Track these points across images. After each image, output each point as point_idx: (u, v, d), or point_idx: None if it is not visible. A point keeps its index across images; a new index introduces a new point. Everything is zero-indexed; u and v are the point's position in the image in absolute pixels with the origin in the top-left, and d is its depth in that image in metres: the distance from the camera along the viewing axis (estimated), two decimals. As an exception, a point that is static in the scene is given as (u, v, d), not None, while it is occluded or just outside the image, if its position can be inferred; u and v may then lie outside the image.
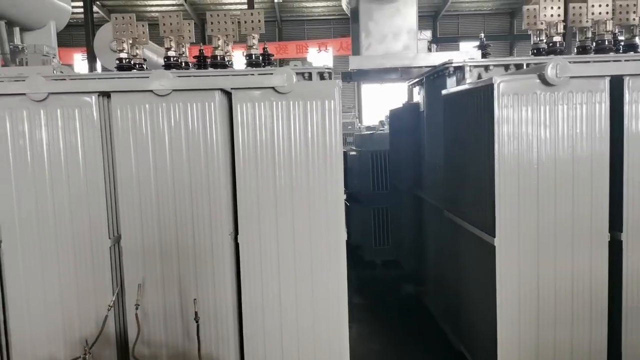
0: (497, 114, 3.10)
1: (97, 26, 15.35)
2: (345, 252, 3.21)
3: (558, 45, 4.05)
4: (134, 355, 3.03)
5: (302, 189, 3.13)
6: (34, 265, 3.19)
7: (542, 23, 4.08)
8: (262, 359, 3.25)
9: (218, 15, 3.95)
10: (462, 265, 3.99)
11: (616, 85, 3.13)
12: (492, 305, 3.26)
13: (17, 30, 5.46)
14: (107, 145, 3.23)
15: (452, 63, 4.13)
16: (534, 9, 4.11)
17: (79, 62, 20.37)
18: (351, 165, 7.11)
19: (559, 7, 3.96)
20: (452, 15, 23.86)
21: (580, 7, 4.04)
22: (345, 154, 4.34)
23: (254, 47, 4.12)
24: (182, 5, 21.08)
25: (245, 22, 3.98)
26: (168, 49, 4.03)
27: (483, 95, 3.29)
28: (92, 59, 15.84)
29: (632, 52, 3.89)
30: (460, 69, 4.11)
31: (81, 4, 17.28)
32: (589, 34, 4.13)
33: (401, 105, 6.55)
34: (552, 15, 3.99)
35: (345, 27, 22.13)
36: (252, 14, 3.98)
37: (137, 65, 4.08)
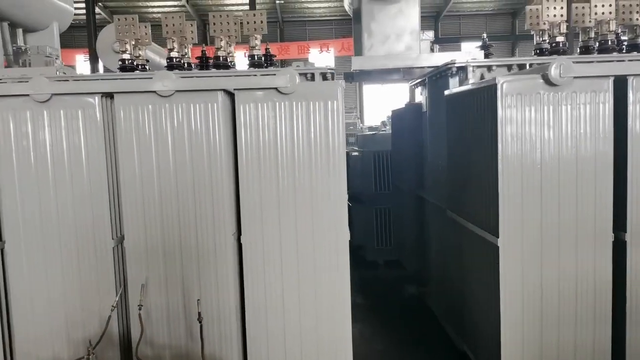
0: (501, 114, 3.10)
1: (99, 27, 15.40)
2: (349, 252, 3.21)
3: (561, 45, 4.04)
4: (137, 356, 3.03)
5: (305, 190, 3.13)
6: (38, 266, 3.19)
7: (544, 23, 4.07)
8: (265, 358, 3.25)
9: (221, 16, 3.95)
10: (464, 266, 3.99)
11: (620, 86, 3.12)
12: (495, 305, 3.26)
13: (20, 31, 5.48)
14: (110, 145, 3.24)
15: (454, 63, 4.13)
16: (537, 9, 4.10)
17: (81, 63, 20.41)
18: (353, 166, 7.11)
19: (561, 7, 3.96)
20: (454, 16, 23.85)
21: (583, 7, 4.03)
22: (347, 154, 4.34)
23: (257, 47, 4.12)
24: (183, 6, 21.12)
25: (248, 22, 3.98)
26: (171, 50, 4.04)
27: (486, 96, 3.29)
28: (94, 60, 15.89)
29: (635, 52, 3.88)
30: (463, 70, 4.11)
31: (83, 5, 17.32)
32: (592, 34, 4.12)
33: (403, 106, 6.55)
34: (555, 16, 3.98)
35: (347, 27, 22.14)
36: (254, 15, 3.98)
37: (139, 66, 4.09)
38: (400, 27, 5.10)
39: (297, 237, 3.17)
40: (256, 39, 4.08)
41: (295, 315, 3.21)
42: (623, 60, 3.59)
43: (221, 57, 4.04)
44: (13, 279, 3.21)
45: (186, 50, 4.15)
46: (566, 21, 3.99)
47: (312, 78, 4.02)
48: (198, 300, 3.08)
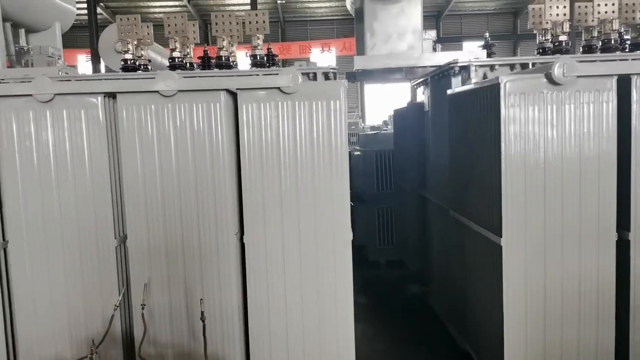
0: (504, 114, 3.09)
1: (100, 27, 15.42)
2: (351, 252, 3.20)
3: (564, 44, 4.03)
4: (140, 355, 3.03)
5: (308, 189, 3.13)
6: (41, 265, 3.20)
7: (547, 22, 4.06)
8: (267, 358, 3.25)
9: (223, 16, 3.96)
10: (467, 265, 3.98)
11: (623, 85, 3.12)
12: (498, 304, 3.25)
13: (22, 31, 5.48)
14: (113, 145, 3.24)
15: (457, 63, 4.12)
16: (540, 8, 4.10)
17: (83, 63, 20.44)
18: (355, 165, 7.10)
19: (564, 6, 3.95)
20: (455, 15, 23.82)
21: (586, 6, 4.03)
22: (349, 154, 4.33)
23: (259, 47, 4.12)
24: (185, 6, 21.13)
25: (250, 22, 3.98)
26: (173, 50, 4.04)
27: (489, 95, 3.28)
28: (96, 60, 15.91)
29: (638, 51, 3.87)
30: (465, 69, 4.11)
31: (85, 5, 17.34)
32: (595, 33, 4.12)
33: (405, 105, 6.54)
34: (557, 15, 3.97)
35: (348, 27, 22.14)
36: (256, 15, 3.98)
37: (142, 66, 4.09)
38: (402, 27, 5.09)
39: (300, 237, 3.16)
40: (258, 38, 4.08)
41: (297, 314, 3.21)
42: (626, 59, 3.59)
43: (223, 57, 4.04)
44: (16, 278, 3.22)
45: (188, 50, 4.16)
46: (569, 20, 3.98)
47: (315, 78, 4.01)
48: (201, 299, 3.08)
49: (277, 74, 3.06)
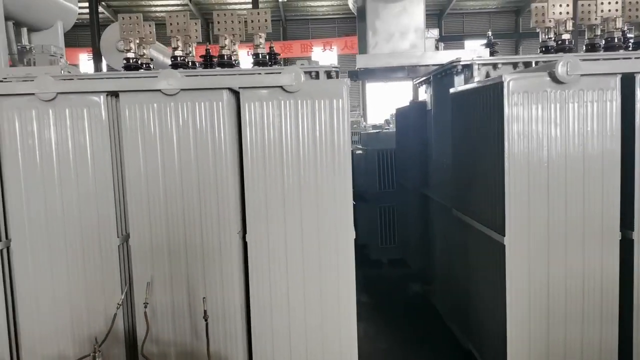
0: (507, 112, 3.08)
1: (102, 26, 15.43)
2: (354, 251, 3.20)
3: (567, 43, 4.02)
4: (143, 354, 3.03)
5: (311, 188, 3.13)
6: (43, 264, 3.20)
7: (550, 21, 4.05)
8: (270, 357, 3.25)
9: (225, 14, 3.95)
10: (470, 264, 3.97)
11: (627, 83, 3.10)
12: (501, 303, 3.25)
13: (24, 30, 5.48)
14: (115, 144, 3.24)
15: (460, 61, 4.11)
16: (543, 6, 4.08)
17: (85, 62, 20.45)
18: (357, 164, 7.10)
19: (567, 5, 3.94)
20: (457, 14, 23.78)
21: (589, 5, 4.01)
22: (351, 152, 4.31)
23: (261, 46, 4.12)
24: (186, 5, 21.12)
25: (252, 21, 3.98)
26: (175, 49, 4.03)
27: (492, 94, 3.27)
28: (97, 59, 15.92)
29: (642, 50, 3.86)
30: (468, 67, 4.10)
31: (87, 4, 17.35)
32: (598, 32, 4.10)
33: (408, 104, 6.53)
34: (560, 13, 3.96)
35: (350, 26, 22.12)
36: (258, 14, 3.98)
37: (144, 65, 4.09)
38: (404, 25, 5.08)
39: (303, 236, 3.16)
40: (260, 37, 4.08)
41: (300, 313, 3.21)
42: (630, 58, 3.58)
43: (225, 56, 4.04)
44: (19, 277, 3.22)
45: (190, 49, 4.15)
46: (572, 18, 3.97)
47: (317, 76, 4.01)
48: (204, 298, 3.08)
49: (280, 73, 3.05)
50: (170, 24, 3.93)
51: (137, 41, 3.98)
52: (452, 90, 4.22)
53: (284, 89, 3.05)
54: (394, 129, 8.04)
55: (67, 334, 3.24)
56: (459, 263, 4.28)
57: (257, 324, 3.23)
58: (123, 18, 3.89)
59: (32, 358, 3.24)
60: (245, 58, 4.60)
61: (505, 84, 3.07)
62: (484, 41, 5.04)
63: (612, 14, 3.89)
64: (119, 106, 3.14)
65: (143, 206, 3.14)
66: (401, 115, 6.73)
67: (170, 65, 4.06)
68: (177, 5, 21.64)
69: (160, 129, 3.09)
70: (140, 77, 3.40)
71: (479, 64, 4.05)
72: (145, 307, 3.08)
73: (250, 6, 18.64)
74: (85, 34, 18.82)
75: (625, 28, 4.03)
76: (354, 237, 3.19)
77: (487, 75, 4.08)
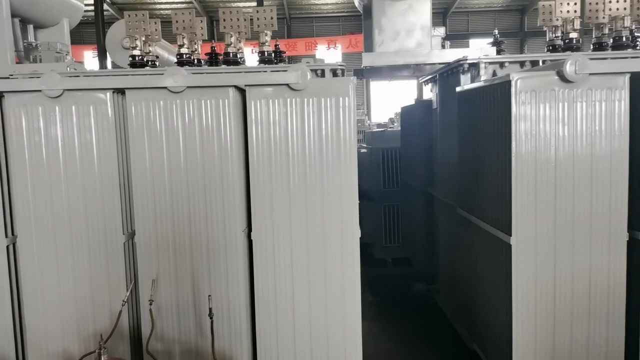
0: (515, 111, 3.07)
1: (107, 24, 15.44)
2: (359, 249, 3.19)
3: (574, 41, 4.00)
4: (148, 351, 3.04)
5: (316, 186, 3.12)
6: (49, 260, 3.20)
7: (558, 19, 4.03)
8: (274, 355, 3.24)
9: (231, 12, 3.95)
10: (475, 264, 3.96)
11: (636, 83, 3.08)
12: (507, 303, 3.23)
13: (31, 27, 5.48)
14: (121, 141, 3.24)
15: (466, 60, 4.09)
16: (550, 5, 4.06)
17: (90, 59, 20.51)
18: (361, 163, 7.07)
19: (575, 3, 3.91)
20: (462, 12, 23.68)
21: (597, 3, 3.99)
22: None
23: (266, 44, 4.11)
24: (191, 2, 21.12)
25: (258, 19, 3.97)
26: (181, 46, 4.04)
27: (500, 92, 3.25)
28: (102, 56, 15.94)
29: (650, 49, 3.83)
30: (475, 66, 4.08)
31: (92, 1, 17.38)
32: (606, 30, 4.08)
33: (413, 103, 6.51)
34: (568, 12, 3.94)
35: (354, 24, 22.06)
36: (264, 11, 3.97)
37: (149, 62, 4.09)
38: (410, 23, 5.06)
39: (308, 234, 3.15)
40: (266, 35, 4.07)
41: (305, 311, 3.20)
42: (638, 57, 3.55)
43: (231, 54, 4.04)
44: (25, 273, 3.23)
45: (196, 47, 4.15)
46: (579, 17, 3.95)
47: (322, 74, 4.00)
48: (209, 296, 3.08)
49: (286, 71, 3.04)
50: (176, 21, 3.92)
51: (143, 38, 3.99)
52: (458, 88, 4.20)
53: (290, 87, 3.04)
54: (398, 128, 8.01)
55: (73, 331, 3.24)
56: (464, 262, 4.27)
57: (261, 322, 3.23)
58: (129, 15, 3.89)
59: (38, 354, 3.25)
60: (249, 56, 4.60)
61: (513, 83, 3.05)
62: (489, 40, 5.02)
63: (620, 13, 3.87)
64: (125, 103, 3.14)
65: (149, 203, 3.14)
66: (407, 113, 6.71)
67: (176, 62, 4.06)
68: (182, 2, 21.64)
69: (166, 126, 3.09)
70: (147, 75, 3.40)
71: (485, 63, 4.03)
72: (151, 304, 3.08)
73: (254, 4, 18.63)
74: (90, 31, 18.85)
75: (634, 27, 4.00)
76: (360, 235, 3.18)
77: (494, 74, 4.05)
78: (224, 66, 4.05)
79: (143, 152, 3.11)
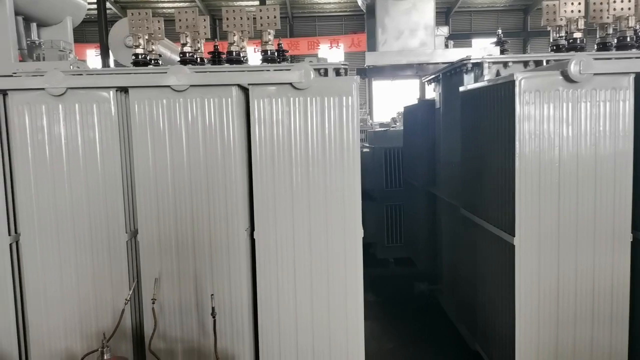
0: (519, 111, 3.06)
1: (109, 22, 15.46)
2: (362, 249, 3.19)
3: (578, 41, 3.99)
4: (151, 350, 3.04)
5: (319, 185, 3.11)
6: (52, 259, 3.20)
7: (562, 19, 4.02)
8: (277, 354, 3.24)
9: (234, 11, 3.95)
10: (478, 264, 3.95)
11: (641, 83, 3.07)
12: (510, 304, 3.23)
13: (34, 25, 5.50)
14: (124, 140, 3.24)
15: (470, 59, 4.08)
16: (554, 4, 4.05)
17: (92, 57, 20.53)
18: (364, 162, 7.06)
19: (579, 3, 3.90)
20: (465, 12, 23.64)
21: (601, 3, 3.98)
22: (359, 150, 4.28)
23: (270, 43, 4.11)
24: (194, 1, 21.13)
25: (261, 18, 3.97)
26: (184, 45, 4.04)
27: (504, 92, 3.24)
28: (105, 54, 15.96)
29: (655, 49, 3.82)
30: (478, 66, 4.07)
31: (94, 0, 17.39)
32: (610, 30, 4.07)
33: (416, 102, 6.50)
34: (572, 11, 3.92)
35: (357, 23, 22.05)
36: (267, 10, 3.97)
37: (152, 61, 4.09)
38: (414, 23, 5.05)
39: (311, 233, 3.15)
40: (269, 34, 4.07)
41: (307, 311, 3.20)
42: (643, 57, 3.53)
43: (234, 52, 4.04)
44: (28, 271, 3.23)
45: (199, 45, 4.15)
46: (584, 17, 3.93)
47: (325, 73, 4.00)
48: (212, 295, 3.08)
49: (289, 70, 3.04)
50: (179, 20, 3.92)
51: (146, 37, 3.99)
52: (461, 88, 4.19)
53: (293, 86, 3.04)
54: (401, 128, 8.01)
55: (75, 329, 3.25)
56: (467, 262, 4.26)
57: (264, 321, 3.23)
58: (132, 14, 3.89)
59: (40, 352, 3.25)
60: (252, 55, 4.59)
61: (517, 83, 3.04)
62: (492, 39, 5.02)
63: (624, 13, 3.86)
64: (128, 102, 3.14)
65: (152, 202, 3.14)
66: (409, 113, 6.70)
67: (179, 61, 4.06)
68: (185, 1, 21.64)
69: (169, 125, 3.09)
70: (150, 73, 3.40)
71: (489, 62, 4.03)
72: (153, 303, 3.08)
73: (257, 3, 18.63)
74: (92, 29, 18.88)
75: (638, 27, 3.99)
76: (362, 235, 3.18)
77: (498, 73, 4.05)
78: (227, 65, 4.05)
79: (146, 150, 3.11)
